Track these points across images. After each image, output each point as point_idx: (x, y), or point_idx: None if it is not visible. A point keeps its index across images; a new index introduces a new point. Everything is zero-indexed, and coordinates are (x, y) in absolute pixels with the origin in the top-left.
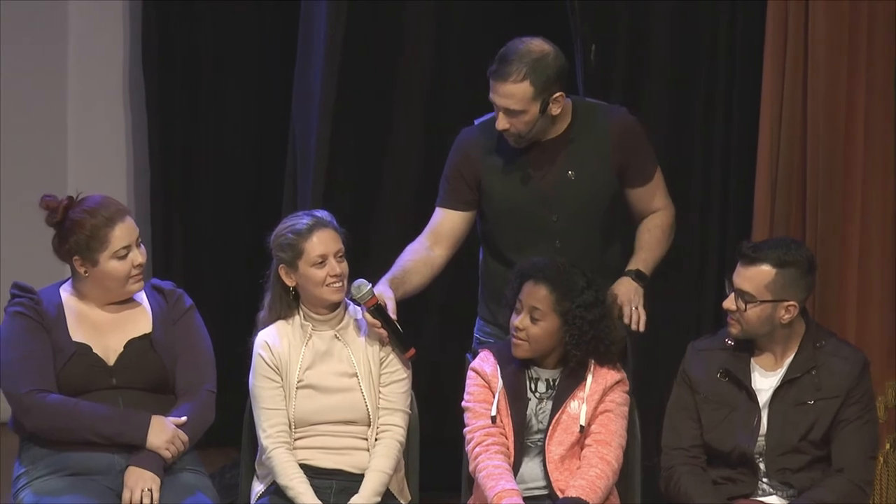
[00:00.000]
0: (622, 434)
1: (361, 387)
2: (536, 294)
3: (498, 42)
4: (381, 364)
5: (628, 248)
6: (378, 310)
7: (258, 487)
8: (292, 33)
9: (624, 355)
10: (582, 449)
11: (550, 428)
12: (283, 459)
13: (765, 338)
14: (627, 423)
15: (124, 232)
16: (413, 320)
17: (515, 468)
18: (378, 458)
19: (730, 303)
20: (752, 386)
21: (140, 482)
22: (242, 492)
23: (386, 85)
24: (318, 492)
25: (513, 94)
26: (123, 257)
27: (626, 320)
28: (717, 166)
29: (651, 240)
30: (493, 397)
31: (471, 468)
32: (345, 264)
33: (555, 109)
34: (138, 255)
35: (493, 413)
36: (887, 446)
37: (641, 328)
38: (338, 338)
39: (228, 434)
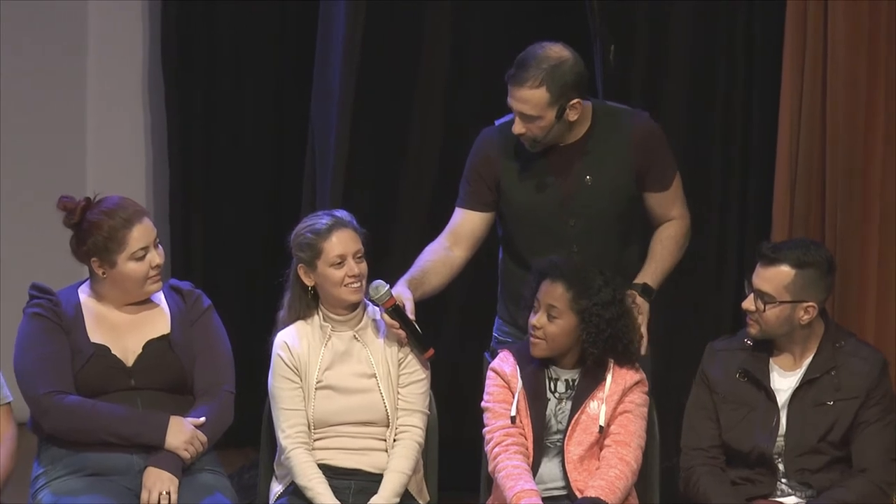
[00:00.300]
0: (641, 435)
1: (380, 388)
2: (553, 292)
3: (517, 41)
4: (399, 365)
5: (645, 251)
6: (396, 310)
7: (277, 488)
8: (311, 33)
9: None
10: (601, 449)
11: (570, 428)
12: (301, 460)
13: (784, 338)
14: (646, 424)
15: (142, 233)
16: (432, 321)
17: (534, 468)
18: (397, 459)
19: (749, 303)
20: (771, 386)
21: (158, 483)
22: (261, 492)
23: (405, 84)
24: (337, 492)
25: (529, 100)
26: (141, 258)
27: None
28: (737, 166)
29: (663, 251)
30: (513, 397)
31: (490, 468)
32: (364, 265)
33: (572, 115)
34: (156, 256)
35: (513, 413)
36: None
37: (643, 352)
38: (357, 338)
39: (247, 434)
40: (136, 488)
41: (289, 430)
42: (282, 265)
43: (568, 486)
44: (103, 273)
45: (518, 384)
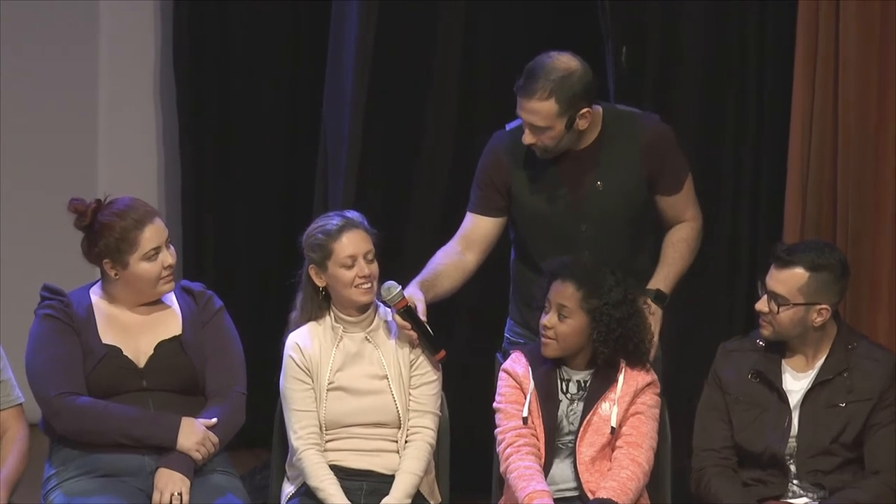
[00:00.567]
0: (653, 436)
1: (392, 389)
2: (564, 292)
3: (530, 42)
4: (411, 366)
5: (657, 254)
6: (408, 311)
7: (288, 489)
8: (323, 33)
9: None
10: (613, 451)
11: (581, 429)
12: (313, 461)
13: (796, 340)
14: (658, 425)
15: (154, 234)
16: (444, 323)
17: (546, 469)
18: (408, 460)
19: (762, 305)
20: (784, 387)
21: (170, 484)
22: (273, 493)
23: (418, 84)
24: (349, 493)
25: (538, 112)
26: (153, 259)
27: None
28: (748, 167)
29: (675, 254)
30: (525, 398)
31: (502, 469)
32: (375, 266)
33: (582, 125)
34: (168, 257)
35: (525, 414)
36: None
37: (651, 357)
38: (368, 340)
39: (259, 435)
40: (147, 489)
41: (300, 431)
42: (294, 266)
43: (580, 487)
44: (115, 274)
45: (530, 385)
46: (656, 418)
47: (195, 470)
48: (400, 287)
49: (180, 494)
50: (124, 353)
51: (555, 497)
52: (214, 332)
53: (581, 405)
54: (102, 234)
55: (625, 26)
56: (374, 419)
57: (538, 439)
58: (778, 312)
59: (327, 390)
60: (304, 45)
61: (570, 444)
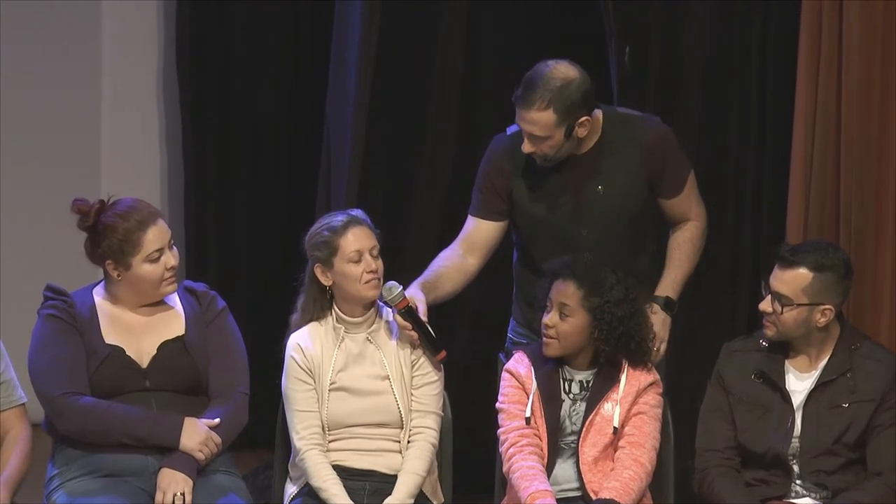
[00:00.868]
0: (656, 436)
1: (393, 389)
2: (565, 291)
3: (533, 42)
4: (412, 367)
5: (659, 255)
6: (409, 312)
7: (291, 489)
8: (325, 33)
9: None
10: (615, 451)
11: (584, 429)
12: (316, 461)
13: (800, 340)
14: (661, 425)
15: (157, 235)
16: (445, 324)
17: (549, 469)
18: (411, 461)
19: (766, 305)
20: (787, 387)
21: (173, 484)
22: (276, 493)
23: (420, 85)
24: (352, 493)
25: (537, 122)
26: (156, 260)
27: (656, 357)
28: (751, 167)
29: (681, 257)
30: (528, 398)
31: (504, 469)
32: (380, 262)
33: (581, 132)
34: (171, 258)
35: (528, 414)
36: None
37: (655, 360)
38: (370, 340)
39: (262, 436)
40: (150, 489)
41: (303, 431)
42: (296, 266)
43: (582, 487)
44: (118, 275)
45: (533, 385)
46: (659, 418)
47: (198, 470)
48: (401, 287)
49: (183, 494)
50: (127, 353)
51: (557, 497)
52: (218, 332)
53: (584, 405)
54: (105, 236)
55: (628, 26)
56: (376, 419)
57: (541, 439)
58: (782, 313)
59: (329, 390)
60: (305, 45)
61: (572, 445)
